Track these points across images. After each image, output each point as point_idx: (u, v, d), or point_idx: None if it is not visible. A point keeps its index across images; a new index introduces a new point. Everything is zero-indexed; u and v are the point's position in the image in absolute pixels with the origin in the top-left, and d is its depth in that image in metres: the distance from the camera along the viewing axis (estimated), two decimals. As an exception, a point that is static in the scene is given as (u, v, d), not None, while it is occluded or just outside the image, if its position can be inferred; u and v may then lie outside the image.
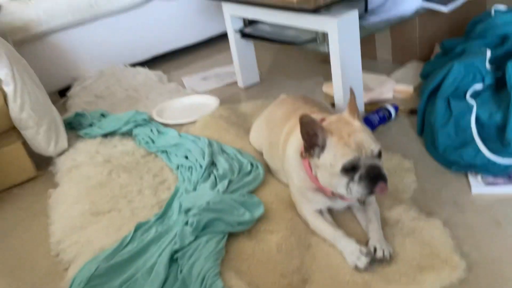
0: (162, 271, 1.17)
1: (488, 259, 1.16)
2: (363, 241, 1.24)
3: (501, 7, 1.86)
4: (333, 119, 1.28)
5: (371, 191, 1.17)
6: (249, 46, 2.39)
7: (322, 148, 1.20)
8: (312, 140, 1.21)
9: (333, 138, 1.19)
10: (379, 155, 1.21)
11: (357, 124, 1.23)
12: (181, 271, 1.16)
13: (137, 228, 1.38)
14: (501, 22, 1.70)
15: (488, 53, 1.58)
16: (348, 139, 1.18)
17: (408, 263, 1.16)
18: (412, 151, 1.65)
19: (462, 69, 1.53)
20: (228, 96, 2.40)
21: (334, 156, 1.18)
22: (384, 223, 1.31)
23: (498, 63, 1.58)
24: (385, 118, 1.83)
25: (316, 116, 1.38)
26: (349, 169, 1.17)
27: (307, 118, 1.18)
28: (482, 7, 2.33)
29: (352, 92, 1.28)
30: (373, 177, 1.16)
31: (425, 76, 1.94)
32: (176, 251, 1.23)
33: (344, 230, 1.30)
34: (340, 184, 1.19)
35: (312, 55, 2.76)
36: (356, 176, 1.17)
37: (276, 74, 2.63)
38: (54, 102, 2.06)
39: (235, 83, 2.54)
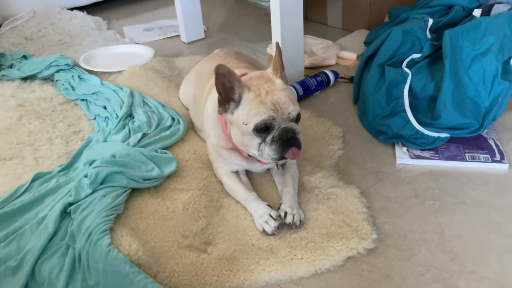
0: (51, 225, 1.06)
1: (401, 232, 1.12)
2: (278, 205, 1.17)
3: (452, -22, 1.80)
4: (255, 74, 1.18)
5: (282, 156, 1.09)
6: (194, -2, 2.25)
7: (237, 103, 1.11)
8: (228, 93, 1.11)
9: (250, 94, 1.10)
10: (298, 119, 1.13)
11: (278, 82, 1.14)
12: (72, 225, 1.06)
13: (36, 178, 1.26)
14: (448, -9, 1.64)
15: (430, 21, 1.52)
16: (265, 98, 1.09)
17: (318, 230, 1.10)
18: (345, 119, 1.59)
19: (401, 34, 1.46)
20: (169, 50, 2.27)
21: (247, 114, 1.09)
22: (302, 188, 1.25)
23: (440, 33, 1.51)
24: (323, 83, 1.76)
25: (240, 70, 1.29)
26: (262, 130, 1.08)
27: (223, 69, 1.08)
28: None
29: (278, 48, 1.18)
30: (286, 141, 1.08)
31: (369, 43, 1.87)
32: (70, 204, 1.12)
33: (260, 193, 1.24)
34: (252, 144, 1.11)
35: (263, 16, 2.64)
36: (269, 138, 1.09)
37: (224, 32, 2.51)
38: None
39: (179, 37, 2.40)
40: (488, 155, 1.33)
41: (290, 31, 1.70)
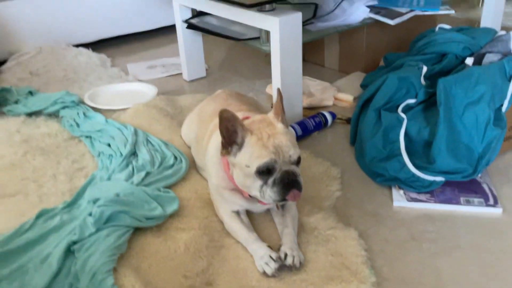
0: (55, 263, 1.08)
1: (399, 275, 1.14)
2: (278, 246, 1.19)
3: (446, 26, 1.88)
4: (257, 118, 1.23)
5: (283, 198, 1.13)
6: (197, 38, 2.33)
7: (240, 146, 1.15)
8: (231, 137, 1.15)
9: (252, 137, 1.14)
10: (298, 161, 1.17)
11: (279, 126, 1.18)
12: (75, 264, 1.08)
13: (40, 215, 1.27)
14: (442, 39, 1.71)
15: (424, 69, 1.58)
16: (267, 141, 1.13)
17: (317, 272, 1.12)
18: (342, 160, 1.63)
19: (396, 81, 1.52)
20: (172, 88, 2.32)
21: (250, 157, 1.13)
22: (301, 229, 1.27)
23: (433, 80, 1.58)
24: (321, 124, 1.81)
25: (242, 114, 1.34)
26: (264, 172, 1.12)
27: (227, 113, 1.13)
28: (432, 24, 2.36)
29: (279, 93, 1.23)
30: (287, 184, 1.12)
31: (365, 86, 1.93)
32: (74, 243, 1.14)
33: (260, 233, 1.26)
34: (254, 186, 1.14)
35: (263, 56, 2.72)
36: (270, 180, 1.12)
37: (224, 70, 2.58)
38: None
39: (181, 75, 2.47)
40: (482, 199, 1.36)
41: (290, 73, 1.76)
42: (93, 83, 2.30)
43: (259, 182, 1.13)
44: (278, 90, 1.24)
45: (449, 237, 1.25)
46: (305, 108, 1.98)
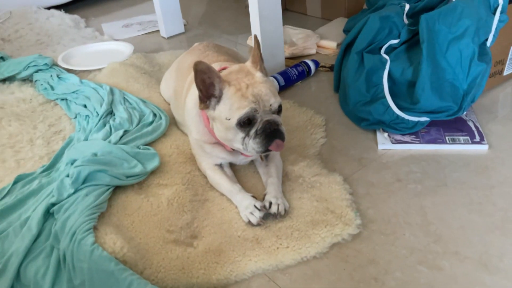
0: (34, 226, 1.05)
1: (384, 216, 1.13)
2: (263, 196, 1.17)
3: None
4: (234, 68, 1.18)
5: (266, 148, 1.10)
6: (172, -8, 2.24)
7: (219, 99, 1.11)
8: (209, 90, 1.11)
9: (230, 89, 1.10)
10: (279, 110, 1.13)
11: (258, 75, 1.13)
12: (55, 226, 1.05)
13: (18, 180, 1.24)
14: (424, -23, 1.64)
15: (407, 7, 1.52)
16: (246, 91, 1.09)
17: (303, 218, 1.11)
18: (327, 108, 1.60)
19: (378, 21, 1.46)
20: (149, 46, 2.25)
21: (229, 109, 1.09)
22: (286, 178, 1.25)
23: (416, 18, 1.52)
24: (304, 73, 1.76)
25: (218, 65, 1.28)
26: (245, 123, 1.08)
27: (202, 65, 1.07)
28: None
29: (256, 41, 1.17)
30: (269, 134, 1.08)
31: (348, 31, 1.87)
32: (53, 205, 1.11)
33: (245, 185, 1.24)
34: (235, 139, 1.11)
35: (243, 8, 2.63)
36: (252, 132, 1.09)
37: (204, 25, 2.49)
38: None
39: (158, 32, 2.38)
40: (468, 137, 1.34)
41: (269, 21, 1.69)
42: (67, 45, 2.21)
43: (240, 135, 1.10)
44: (255, 37, 1.18)
45: (434, 177, 1.24)
46: (287, 58, 1.93)
